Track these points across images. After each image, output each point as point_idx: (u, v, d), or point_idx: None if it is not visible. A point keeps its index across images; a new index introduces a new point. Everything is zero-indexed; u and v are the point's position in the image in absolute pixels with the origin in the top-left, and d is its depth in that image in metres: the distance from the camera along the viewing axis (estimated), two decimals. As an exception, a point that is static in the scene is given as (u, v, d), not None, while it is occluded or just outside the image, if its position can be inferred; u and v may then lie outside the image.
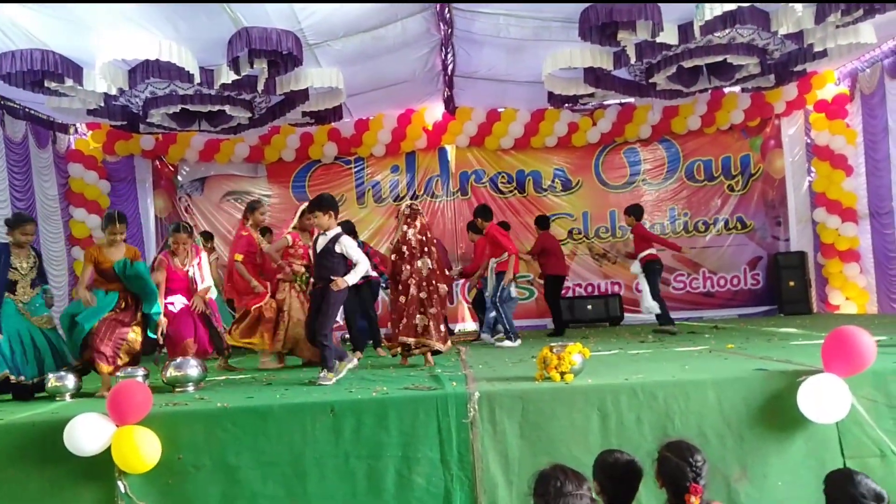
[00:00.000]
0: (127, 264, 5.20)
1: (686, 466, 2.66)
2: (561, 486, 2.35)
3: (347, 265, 5.01)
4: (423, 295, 5.62)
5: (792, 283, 9.95)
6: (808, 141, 10.07)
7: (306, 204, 5.92)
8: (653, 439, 3.67)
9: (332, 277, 4.93)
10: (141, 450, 3.63)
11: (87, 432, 3.67)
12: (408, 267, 5.66)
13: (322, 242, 5.05)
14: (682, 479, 2.65)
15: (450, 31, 7.49)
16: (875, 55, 8.68)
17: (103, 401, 3.97)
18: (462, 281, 9.76)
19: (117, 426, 3.70)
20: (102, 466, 3.68)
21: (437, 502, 3.69)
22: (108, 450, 3.65)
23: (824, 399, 3.61)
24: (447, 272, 7.99)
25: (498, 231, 7.60)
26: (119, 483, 3.68)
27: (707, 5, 6.18)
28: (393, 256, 5.79)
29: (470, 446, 3.74)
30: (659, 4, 6.23)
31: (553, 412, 3.81)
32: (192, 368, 4.91)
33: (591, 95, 8.69)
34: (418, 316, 5.57)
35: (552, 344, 4.18)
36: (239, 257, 6.46)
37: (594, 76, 7.91)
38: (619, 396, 3.82)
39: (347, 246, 5.02)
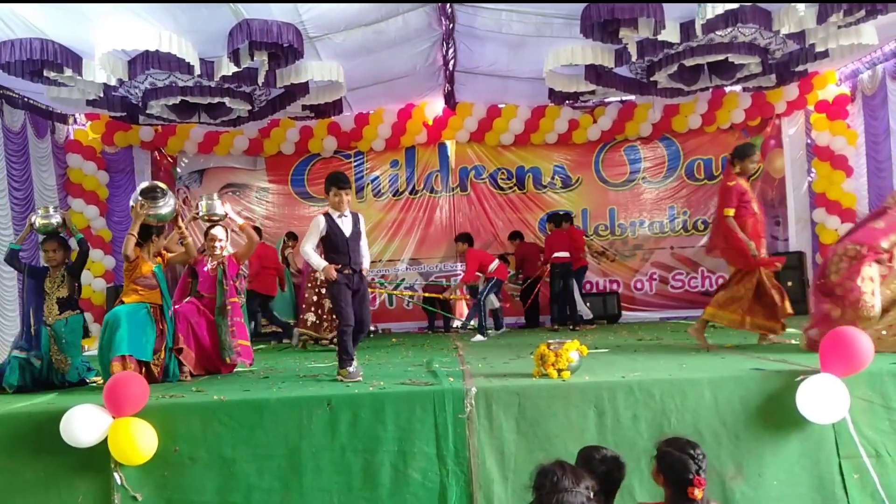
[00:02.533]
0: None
1: (688, 459, 2.67)
2: (557, 482, 2.35)
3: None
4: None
5: (790, 284, 9.94)
6: (809, 141, 10.07)
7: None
8: (649, 437, 3.68)
9: (362, 265, 4.81)
10: (137, 441, 3.63)
11: (84, 423, 3.66)
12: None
13: (351, 224, 4.76)
14: (685, 472, 2.66)
15: (451, 25, 7.48)
16: (876, 56, 8.67)
17: (100, 393, 3.97)
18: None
19: (114, 418, 3.69)
20: (99, 458, 3.68)
21: (433, 497, 3.70)
22: (105, 441, 3.64)
23: (824, 399, 3.62)
24: None
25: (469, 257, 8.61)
26: (115, 474, 3.68)
27: (709, 3, 6.16)
28: None
29: (466, 442, 3.74)
30: (661, 2, 6.22)
31: (550, 409, 3.81)
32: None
33: (592, 93, 8.68)
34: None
35: (550, 341, 4.19)
36: (730, 212, 5.41)
37: (595, 73, 7.91)
38: (615, 394, 3.82)
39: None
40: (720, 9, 6.21)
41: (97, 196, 9.77)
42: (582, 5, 6.43)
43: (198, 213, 5.69)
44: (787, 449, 3.75)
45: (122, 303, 5.06)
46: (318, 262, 4.68)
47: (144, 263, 5.10)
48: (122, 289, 5.40)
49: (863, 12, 6.43)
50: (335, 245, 4.69)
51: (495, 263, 8.51)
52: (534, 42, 7.52)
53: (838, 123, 9.62)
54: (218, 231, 5.67)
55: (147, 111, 8.04)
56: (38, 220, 5.31)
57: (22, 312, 5.52)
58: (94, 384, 5.16)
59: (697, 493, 2.63)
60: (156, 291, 5.11)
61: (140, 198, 5.02)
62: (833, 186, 9.67)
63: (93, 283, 9.56)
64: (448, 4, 7.00)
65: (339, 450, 3.75)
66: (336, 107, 8.73)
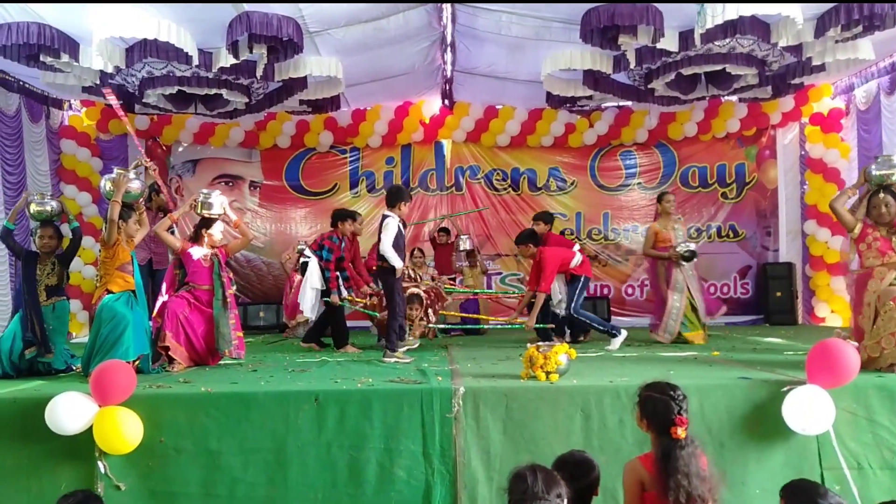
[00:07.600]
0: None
1: (670, 400, 2.81)
2: (528, 489, 2.38)
3: None
4: None
5: (779, 294, 10.01)
6: (803, 153, 10.12)
7: None
8: (634, 442, 3.70)
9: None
10: (123, 431, 3.62)
11: (69, 411, 3.65)
12: None
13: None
14: (668, 412, 2.78)
15: (451, 25, 7.48)
16: (872, 71, 8.73)
17: (87, 381, 3.94)
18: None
19: (100, 406, 3.68)
20: (83, 446, 3.67)
21: (418, 495, 3.71)
22: (90, 429, 3.63)
23: (810, 410, 3.65)
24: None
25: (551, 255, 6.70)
26: (99, 463, 3.68)
27: (709, 9, 6.15)
28: None
29: (452, 441, 3.75)
30: (661, 11, 6.23)
31: (537, 411, 3.82)
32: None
33: (590, 97, 8.70)
34: None
35: (539, 343, 4.20)
36: None
37: (593, 79, 7.92)
38: (602, 398, 3.84)
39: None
40: (720, 18, 6.23)
41: (90, 183, 9.70)
42: (581, 9, 6.44)
43: (195, 206, 5.67)
44: (770, 458, 3.78)
45: (109, 291, 5.00)
46: (399, 262, 5.56)
47: (123, 250, 5.16)
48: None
49: (860, 28, 6.48)
50: (402, 247, 5.62)
51: (577, 258, 6.83)
52: (533, 45, 7.53)
53: (832, 136, 9.68)
54: (218, 223, 5.72)
55: (143, 100, 7.99)
56: (33, 206, 5.39)
57: (15, 298, 5.53)
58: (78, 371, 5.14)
59: (681, 433, 2.74)
60: (132, 278, 5.15)
61: (116, 168, 5.52)
62: (825, 199, 9.69)
63: (83, 271, 9.49)
64: (449, 4, 7.00)
65: (325, 445, 3.75)
66: (334, 102, 8.71)
